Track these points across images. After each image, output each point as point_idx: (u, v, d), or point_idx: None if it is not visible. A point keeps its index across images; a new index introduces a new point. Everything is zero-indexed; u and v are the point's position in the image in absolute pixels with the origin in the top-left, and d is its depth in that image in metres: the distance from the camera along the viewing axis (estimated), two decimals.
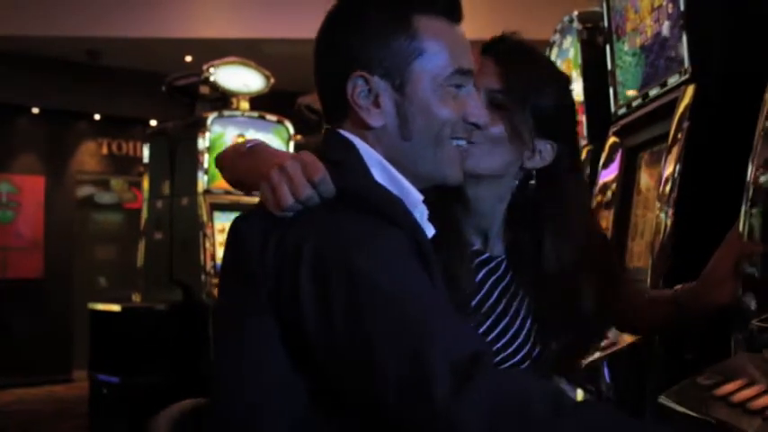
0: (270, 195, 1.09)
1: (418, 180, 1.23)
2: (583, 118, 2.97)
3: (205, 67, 5.30)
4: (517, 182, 1.43)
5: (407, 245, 1.08)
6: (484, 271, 1.42)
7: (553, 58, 3.30)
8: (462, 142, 1.25)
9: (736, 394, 1.17)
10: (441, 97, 1.20)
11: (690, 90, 1.88)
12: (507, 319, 1.40)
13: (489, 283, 1.41)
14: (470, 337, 1.05)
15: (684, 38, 1.90)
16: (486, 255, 1.44)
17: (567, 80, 1.48)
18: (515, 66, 1.39)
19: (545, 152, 1.42)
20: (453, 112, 1.22)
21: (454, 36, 1.23)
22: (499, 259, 1.44)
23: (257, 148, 1.25)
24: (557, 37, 3.22)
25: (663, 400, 1.31)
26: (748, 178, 1.44)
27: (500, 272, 1.43)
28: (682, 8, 1.90)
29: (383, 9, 1.20)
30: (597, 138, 2.72)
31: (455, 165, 1.25)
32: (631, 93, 2.29)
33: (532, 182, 1.42)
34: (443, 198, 1.28)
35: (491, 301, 1.40)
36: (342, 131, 1.22)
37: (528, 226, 1.41)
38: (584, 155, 2.91)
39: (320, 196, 1.09)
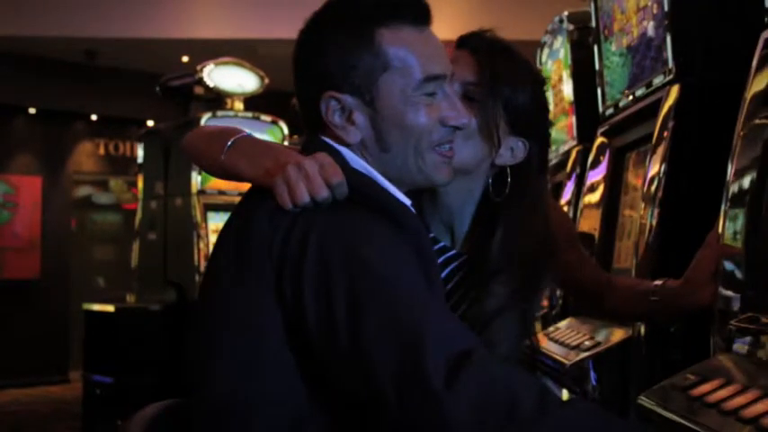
0: (284, 190, 1.11)
1: (404, 185, 1.25)
2: (573, 118, 2.98)
3: (199, 68, 5.30)
4: (491, 180, 1.42)
5: (410, 246, 1.11)
6: (450, 268, 1.41)
7: (544, 58, 3.31)
8: (446, 147, 1.26)
9: (712, 395, 1.18)
10: (413, 107, 1.21)
11: (674, 90, 1.88)
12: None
13: (455, 280, 1.40)
14: (464, 334, 1.06)
15: (668, 38, 1.90)
16: (453, 252, 1.43)
17: (542, 80, 1.47)
18: (491, 60, 1.38)
19: (517, 150, 1.41)
20: (428, 119, 1.22)
21: (421, 43, 1.22)
22: (465, 257, 1.43)
23: (244, 141, 1.26)
24: (547, 37, 3.23)
25: (641, 400, 1.32)
26: (728, 179, 1.44)
27: (466, 270, 1.42)
28: (666, 8, 1.90)
29: (345, 27, 1.20)
30: (586, 138, 2.72)
31: (441, 170, 1.26)
32: (618, 93, 2.30)
33: (509, 180, 1.41)
34: (413, 191, 1.28)
35: (456, 297, 1.39)
36: (325, 138, 1.23)
37: (492, 223, 1.40)
38: (573, 155, 2.92)
39: (334, 197, 1.11)
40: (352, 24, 1.20)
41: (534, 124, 1.42)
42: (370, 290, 1.04)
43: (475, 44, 1.41)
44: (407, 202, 1.23)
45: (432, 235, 1.42)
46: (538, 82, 1.44)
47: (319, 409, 1.10)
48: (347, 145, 1.22)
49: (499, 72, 1.37)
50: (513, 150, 1.41)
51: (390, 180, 1.23)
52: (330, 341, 1.05)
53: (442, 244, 1.43)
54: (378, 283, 1.04)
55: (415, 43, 1.21)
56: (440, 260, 1.40)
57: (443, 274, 1.40)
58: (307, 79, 1.24)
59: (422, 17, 1.23)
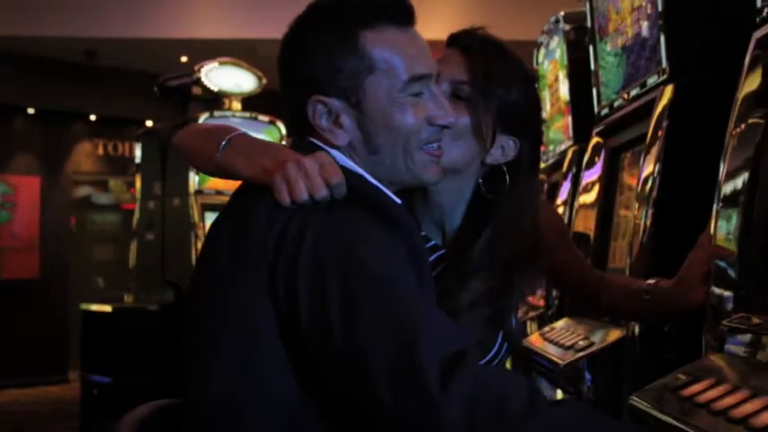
0: (283, 188, 1.11)
1: (393, 185, 1.26)
2: (569, 118, 2.98)
3: (196, 68, 5.30)
4: (480, 179, 1.41)
5: (405, 246, 1.12)
6: (440, 267, 1.40)
7: (540, 58, 3.31)
8: (434, 146, 1.26)
9: (703, 395, 1.17)
10: (400, 108, 1.21)
11: (668, 90, 1.88)
12: None
13: (445, 280, 1.40)
14: (456, 334, 1.06)
15: (663, 38, 1.90)
16: (443, 251, 1.42)
17: (534, 78, 1.46)
18: (482, 58, 1.37)
19: (508, 148, 1.40)
20: (415, 119, 1.22)
21: (406, 43, 1.22)
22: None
23: (240, 139, 1.26)
24: (544, 38, 3.23)
25: (633, 400, 1.32)
26: (720, 179, 1.44)
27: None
28: (660, 9, 1.90)
29: (329, 31, 1.20)
30: (582, 138, 2.72)
31: (429, 169, 1.26)
32: (613, 93, 2.30)
33: (507, 178, 1.39)
34: (403, 190, 1.29)
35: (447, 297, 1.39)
36: (313, 140, 1.24)
37: (482, 222, 1.39)
38: (569, 155, 2.92)
39: (332, 196, 1.12)
40: (336, 27, 1.20)
41: (526, 123, 1.41)
42: (364, 289, 1.04)
43: (465, 42, 1.40)
44: (398, 201, 1.23)
45: (423, 234, 1.42)
46: (529, 80, 1.43)
47: (316, 408, 1.10)
48: (335, 147, 1.22)
49: (491, 70, 1.37)
50: (503, 149, 1.40)
51: (379, 181, 1.23)
52: (324, 340, 1.05)
53: (432, 243, 1.43)
54: (372, 282, 1.05)
55: (400, 44, 1.21)
56: (430, 259, 1.39)
57: (435, 273, 1.39)
58: (293, 83, 1.24)
59: (406, 18, 1.23)
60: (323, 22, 1.22)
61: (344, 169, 1.15)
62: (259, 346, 1.11)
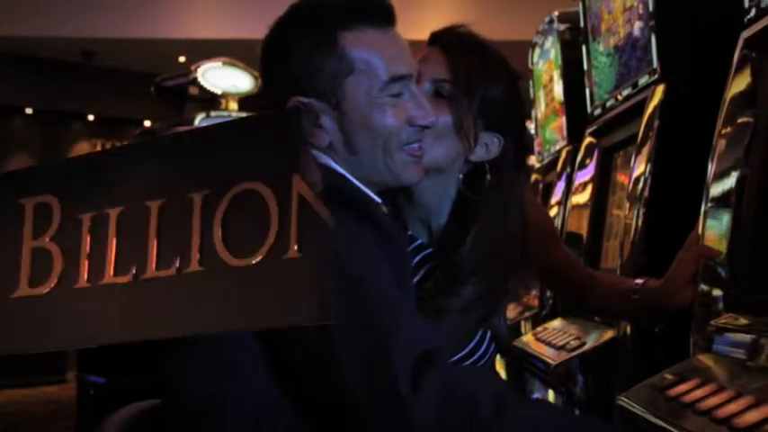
0: None
1: (373, 185, 1.26)
2: (563, 118, 2.98)
3: (193, 68, 5.30)
4: (461, 176, 1.40)
5: (384, 246, 1.12)
6: (426, 267, 1.39)
7: (535, 59, 3.31)
8: (415, 146, 1.26)
9: (689, 395, 1.17)
10: (379, 109, 1.21)
11: (659, 90, 1.88)
12: None
13: (432, 280, 1.38)
14: (430, 335, 1.07)
15: (653, 38, 1.90)
16: (430, 250, 1.42)
17: (516, 75, 1.44)
18: (464, 56, 1.37)
19: (491, 145, 1.39)
20: (395, 120, 1.22)
21: (385, 44, 1.22)
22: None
23: None
24: (539, 38, 3.23)
25: (620, 400, 1.32)
26: (708, 179, 1.44)
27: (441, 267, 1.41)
28: (651, 8, 1.90)
29: (308, 32, 1.20)
30: (576, 138, 2.73)
31: (409, 169, 1.26)
32: (606, 93, 2.30)
33: (488, 176, 1.39)
34: (388, 190, 1.28)
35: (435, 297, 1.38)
36: None
37: (469, 220, 1.39)
38: (563, 155, 2.92)
39: None
40: (316, 29, 1.20)
41: (509, 120, 1.40)
42: (340, 289, 1.04)
43: (446, 41, 1.39)
44: (378, 201, 1.24)
45: (409, 233, 1.42)
46: (511, 77, 1.42)
47: (295, 407, 1.10)
48: (316, 148, 1.22)
49: (472, 68, 1.36)
50: (487, 146, 1.39)
51: (360, 181, 1.23)
52: (299, 339, 1.05)
53: (419, 242, 1.42)
54: (348, 281, 1.04)
55: (379, 45, 1.21)
56: (416, 259, 1.39)
57: (420, 274, 1.39)
58: (273, 83, 1.24)
59: (385, 19, 1.23)
60: (303, 23, 1.22)
61: (324, 168, 1.15)
62: (238, 346, 1.10)
